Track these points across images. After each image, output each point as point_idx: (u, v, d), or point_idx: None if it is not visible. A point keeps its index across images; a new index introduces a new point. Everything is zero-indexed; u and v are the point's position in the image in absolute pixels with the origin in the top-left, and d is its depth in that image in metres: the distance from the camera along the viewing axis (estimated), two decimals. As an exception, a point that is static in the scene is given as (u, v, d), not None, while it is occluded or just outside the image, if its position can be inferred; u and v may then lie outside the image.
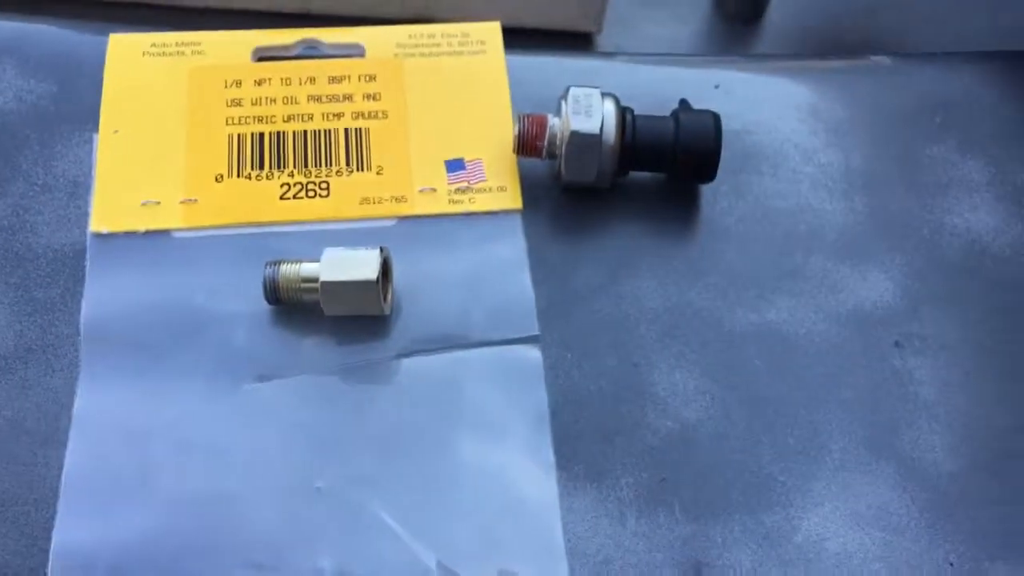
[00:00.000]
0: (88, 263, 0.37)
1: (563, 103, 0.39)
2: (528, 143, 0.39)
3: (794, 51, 0.70)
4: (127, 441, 0.34)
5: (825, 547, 0.34)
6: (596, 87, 0.39)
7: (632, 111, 0.40)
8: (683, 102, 0.41)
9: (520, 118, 0.39)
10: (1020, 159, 0.44)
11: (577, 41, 0.67)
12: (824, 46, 0.72)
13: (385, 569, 0.32)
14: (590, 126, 0.38)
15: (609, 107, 0.39)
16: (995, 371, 0.38)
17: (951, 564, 0.34)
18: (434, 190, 0.40)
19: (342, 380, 0.36)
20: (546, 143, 0.39)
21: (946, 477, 0.36)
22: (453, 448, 0.35)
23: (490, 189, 0.40)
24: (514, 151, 0.40)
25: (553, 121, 0.39)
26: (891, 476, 0.36)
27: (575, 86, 0.39)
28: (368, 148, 0.40)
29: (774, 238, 0.41)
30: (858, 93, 0.46)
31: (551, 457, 0.35)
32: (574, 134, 0.38)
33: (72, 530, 0.32)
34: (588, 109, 0.39)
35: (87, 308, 0.36)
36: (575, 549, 0.34)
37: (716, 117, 0.40)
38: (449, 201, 0.40)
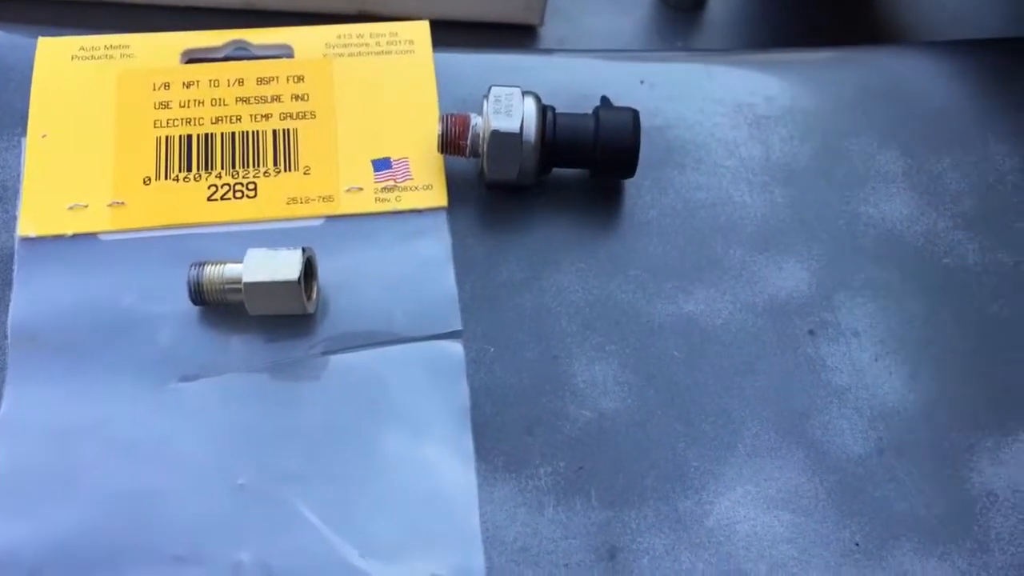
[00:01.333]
0: (16, 267, 0.38)
1: (485, 102, 0.40)
2: (451, 142, 0.40)
3: (737, 40, 0.71)
4: (53, 442, 0.35)
5: (736, 530, 0.36)
6: (516, 86, 0.40)
7: (553, 109, 0.41)
8: (604, 99, 0.42)
9: (443, 118, 0.40)
10: (936, 150, 0.46)
11: (519, 34, 0.68)
12: (773, 36, 0.73)
13: (305, 562, 0.33)
14: (510, 125, 0.39)
15: (530, 106, 0.40)
16: (903, 356, 0.40)
17: (857, 544, 0.36)
18: (361, 189, 0.41)
19: (267, 378, 0.37)
20: (469, 142, 0.40)
21: (854, 460, 0.37)
22: (376, 442, 0.36)
23: (416, 188, 0.41)
24: (439, 150, 0.41)
25: (475, 120, 0.40)
26: (801, 460, 0.37)
27: (496, 85, 0.40)
28: (296, 148, 0.41)
29: (694, 231, 0.42)
30: (780, 86, 0.47)
31: (471, 449, 0.36)
32: (495, 133, 0.39)
33: (-3, 530, 0.33)
34: (509, 108, 0.40)
35: (15, 311, 0.37)
36: (493, 538, 0.35)
37: (635, 115, 0.41)
38: (376, 200, 0.40)
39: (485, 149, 0.40)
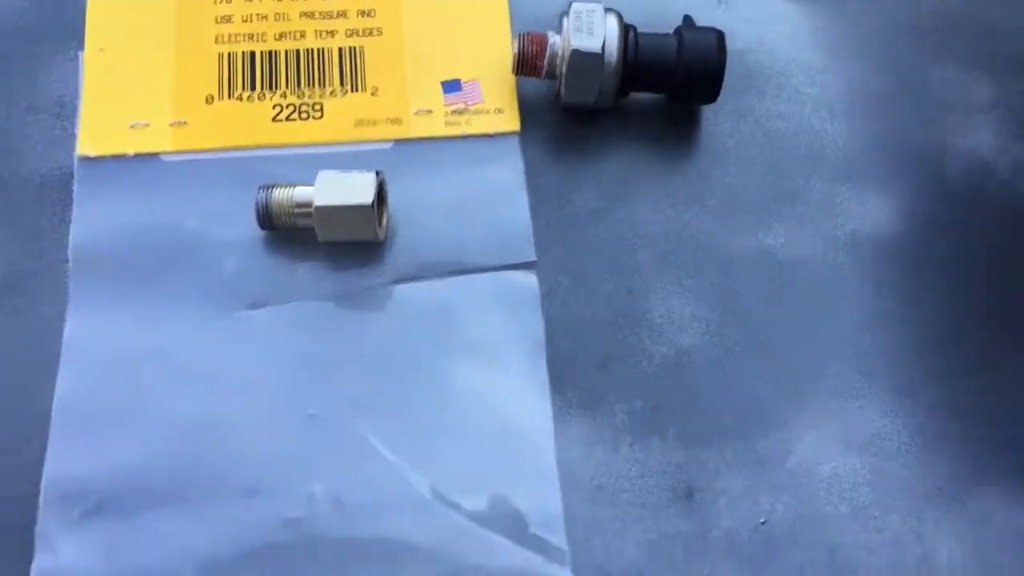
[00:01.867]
0: (76, 187, 0.37)
1: (564, 20, 0.38)
2: (528, 62, 0.38)
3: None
4: (118, 367, 0.34)
5: (816, 472, 0.35)
6: (599, 2, 0.38)
7: (635, 28, 0.39)
8: (687, 19, 0.40)
9: (519, 37, 0.38)
10: (1026, 78, 0.43)
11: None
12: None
13: (378, 495, 0.33)
14: (592, 44, 0.37)
15: (612, 24, 0.38)
16: (991, 291, 0.38)
17: (939, 489, 0.35)
18: (430, 112, 0.39)
19: (336, 307, 0.35)
20: (546, 63, 0.38)
21: (937, 403, 0.36)
22: (447, 374, 0.35)
23: (487, 111, 0.39)
24: (513, 71, 0.39)
25: (554, 39, 0.38)
26: (884, 401, 0.36)
27: (577, 1, 0.38)
28: (363, 68, 0.39)
29: (774, 161, 0.40)
30: (862, 11, 0.44)
31: (546, 384, 0.35)
32: (575, 53, 0.37)
33: (64, 458, 0.32)
34: (590, 26, 0.38)
35: (76, 233, 0.36)
36: (568, 475, 0.34)
37: (720, 35, 0.39)
38: (445, 123, 0.39)
39: (564, 70, 0.38)
